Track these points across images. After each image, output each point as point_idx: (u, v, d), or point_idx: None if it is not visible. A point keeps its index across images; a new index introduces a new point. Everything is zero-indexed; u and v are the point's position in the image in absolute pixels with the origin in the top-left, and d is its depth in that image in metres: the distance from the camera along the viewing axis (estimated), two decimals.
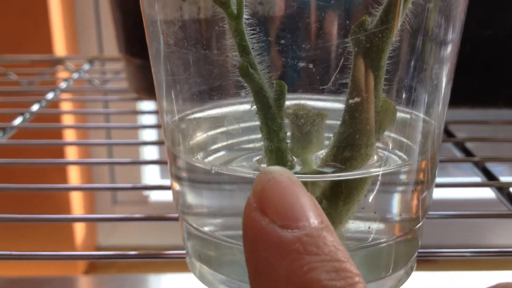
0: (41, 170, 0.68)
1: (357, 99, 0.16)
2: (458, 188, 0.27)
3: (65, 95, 0.49)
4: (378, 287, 0.18)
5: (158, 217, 0.25)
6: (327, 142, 0.17)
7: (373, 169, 0.17)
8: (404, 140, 0.18)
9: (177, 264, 0.25)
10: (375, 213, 0.17)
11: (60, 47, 0.68)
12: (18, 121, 0.37)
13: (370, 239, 0.18)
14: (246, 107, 0.16)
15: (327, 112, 0.18)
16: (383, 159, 0.17)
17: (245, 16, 0.15)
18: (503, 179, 0.27)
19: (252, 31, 0.15)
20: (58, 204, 0.73)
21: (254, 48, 0.15)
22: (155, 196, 0.82)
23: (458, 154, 0.31)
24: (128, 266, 0.75)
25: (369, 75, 0.16)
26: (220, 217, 0.18)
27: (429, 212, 0.24)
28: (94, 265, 0.78)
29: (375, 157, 0.17)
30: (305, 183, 0.17)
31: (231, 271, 0.18)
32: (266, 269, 0.12)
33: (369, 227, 0.17)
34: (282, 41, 0.16)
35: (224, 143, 0.18)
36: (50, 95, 0.44)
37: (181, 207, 0.19)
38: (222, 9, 0.15)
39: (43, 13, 0.65)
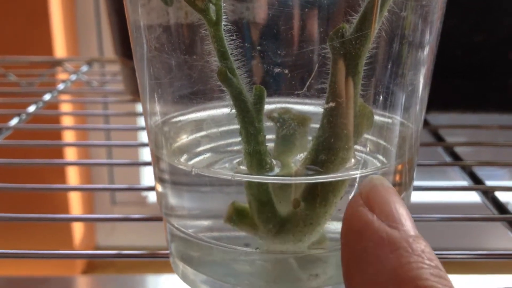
0: (40, 171, 0.68)
1: (334, 104, 0.16)
2: (444, 192, 0.27)
3: (63, 97, 0.50)
4: None
5: (156, 217, 0.25)
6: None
7: (351, 172, 0.17)
8: (382, 143, 0.18)
9: None
10: None
11: (60, 49, 0.69)
12: (14, 121, 0.38)
13: None
14: (226, 111, 0.17)
15: (311, 116, 0.18)
16: (360, 162, 0.18)
17: (224, 23, 0.15)
18: (490, 183, 0.28)
19: (231, 37, 0.16)
20: (57, 205, 0.73)
21: (233, 53, 0.16)
22: (153, 197, 0.83)
23: (447, 158, 0.31)
24: (126, 267, 0.76)
25: (346, 80, 0.16)
26: (201, 218, 0.19)
27: (417, 215, 0.24)
28: (93, 265, 0.78)
29: (353, 160, 0.17)
30: (283, 185, 0.17)
31: (212, 271, 0.18)
32: (371, 258, 0.13)
33: None
34: (260, 47, 0.16)
35: (206, 146, 0.18)
36: (47, 96, 0.44)
37: (164, 208, 0.19)
38: (201, 16, 0.15)
39: (44, 15, 0.65)
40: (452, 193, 0.68)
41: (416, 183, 0.25)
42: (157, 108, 0.18)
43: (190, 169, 0.17)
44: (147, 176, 0.82)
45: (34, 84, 0.52)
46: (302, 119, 0.18)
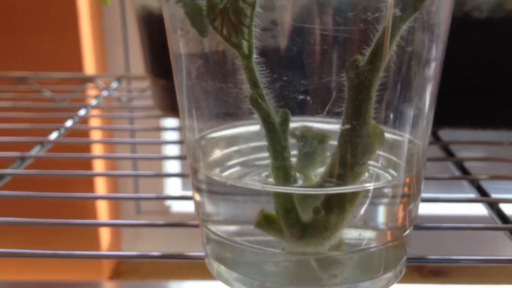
0: (71, 181, 0.72)
1: (349, 126, 0.19)
2: (453, 204, 0.30)
3: (95, 112, 0.53)
4: (370, 286, 0.21)
5: (179, 223, 0.27)
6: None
7: (365, 184, 0.20)
8: (393, 158, 0.21)
9: (199, 271, 0.28)
10: (365, 222, 0.20)
11: (89, 66, 0.72)
12: (54, 135, 0.41)
13: (362, 244, 0.20)
14: (255, 129, 0.19)
15: (329, 135, 0.21)
16: (373, 175, 0.20)
17: (254, 56, 0.18)
18: (495, 196, 0.30)
19: (261, 68, 0.18)
20: (85, 214, 0.77)
21: (262, 82, 0.18)
22: (176, 207, 0.85)
23: (457, 172, 0.33)
24: (151, 273, 0.78)
25: (360, 105, 0.19)
26: (234, 223, 0.21)
27: (428, 224, 0.26)
28: (118, 271, 0.81)
29: (367, 174, 0.20)
30: (305, 195, 0.20)
31: (243, 270, 0.21)
32: None
33: (359, 234, 0.20)
34: (286, 77, 0.19)
35: (238, 160, 0.21)
36: (82, 112, 0.47)
37: (201, 215, 0.22)
38: (235, 50, 0.18)
39: (74, 33, 0.69)
40: (460, 205, 0.70)
41: (427, 195, 0.28)
42: (195, 126, 0.21)
43: (225, 180, 0.20)
44: (171, 188, 0.85)
45: (66, 99, 0.55)
46: (322, 137, 0.21)
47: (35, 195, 0.31)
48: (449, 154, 0.36)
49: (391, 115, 0.20)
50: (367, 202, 0.20)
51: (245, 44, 0.18)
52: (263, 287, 0.21)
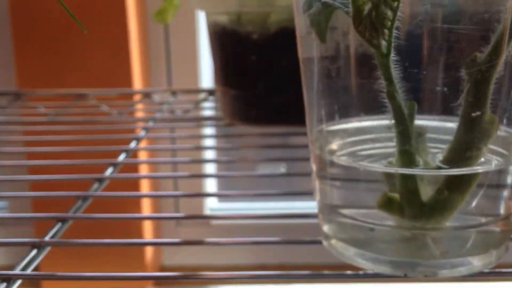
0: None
1: (468, 114, 0.22)
2: None
3: (160, 124, 0.56)
4: (485, 258, 0.23)
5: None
6: (443, 146, 0.23)
7: (483, 167, 0.22)
8: (500, 150, 0.23)
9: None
10: (479, 203, 0.23)
11: (137, 82, 0.75)
12: (133, 144, 0.44)
13: (475, 223, 0.23)
14: (386, 121, 0.22)
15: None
16: (488, 160, 0.23)
17: (391, 54, 0.21)
18: None
19: (395, 65, 0.21)
20: (130, 229, 0.79)
21: (396, 77, 0.21)
22: (215, 220, 0.88)
23: None
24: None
25: (479, 97, 0.21)
26: (358, 205, 0.24)
27: None
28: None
29: (482, 158, 0.23)
30: (426, 177, 0.22)
31: (366, 247, 0.24)
32: None
33: (473, 214, 0.23)
34: (414, 74, 0.22)
35: (367, 147, 0.24)
36: (151, 124, 0.50)
37: (324, 200, 0.24)
38: (375, 49, 0.21)
39: (125, 53, 0.73)
40: None
41: None
42: (323, 118, 0.24)
43: (358, 165, 0.23)
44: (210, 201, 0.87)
45: (123, 113, 0.58)
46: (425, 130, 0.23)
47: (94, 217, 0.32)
48: None
49: (505, 109, 0.22)
50: (484, 184, 0.23)
51: (384, 44, 0.21)
52: (383, 261, 0.23)
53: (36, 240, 0.27)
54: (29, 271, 0.25)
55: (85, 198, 0.33)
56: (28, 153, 0.50)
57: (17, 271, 0.25)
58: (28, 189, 0.78)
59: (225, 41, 0.44)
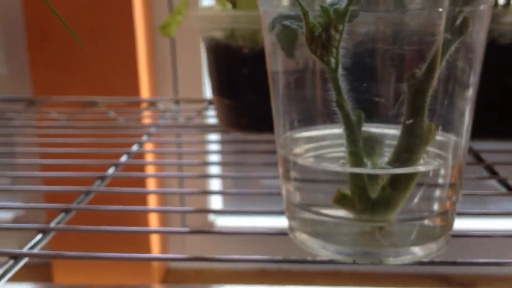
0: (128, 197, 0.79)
1: (409, 121, 0.25)
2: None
3: (163, 130, 0.60)
4: (426, 248, 0.27)
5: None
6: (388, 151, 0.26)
7: (421, 167, 0.26)
8: (439, 151, 0.27)
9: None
10: (419, 199, 0.26)
11: (145, 91, 0.80)
12: (135, 148, 0.47)
13: (417, 217, 0.26)
14: (339, 127, 0.26)
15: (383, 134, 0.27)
16: (426, 162, 0.26)
17: (339, 69, 0.24)
18: None
19: (342, 79, 0.25)
20: (137, 237, 0.83)
21: (343, 89, 0.25)
22: (220, 221, 0.92)
23: (486, 174, 0.39)
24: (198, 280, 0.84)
25: (417, 107, 0.25)
26: (316, 201, 0.27)
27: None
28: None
29: (421, 160, 0.26)
30: (374, 176, 0.26)
31: (323, 238, 0.27)
32: None
33: (414, 209, 0.26)
34: (360, 86, 0.25)
35: (327, 151, 0.27)
36: (153, 130, 0.54)
37: (289, 197, 0.28)
38: (324, 65, 0.24)
39: (132, 63, 0.77)
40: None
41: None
42: (287, 125, 0.27)
43: (316, 165, 0.26)
44: (214, 202, 0.91)
45: (130, 120, 0.62)
46: (379, 135, 0.27)
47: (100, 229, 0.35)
48: (480, 160, 0.42)
49: (441, 116, 0.26)
50: (423, 183, 0.26)
51: (332, 61, 0.24)
52: (338, 250, 0.27)
53: (42, 225, 0.31)
54: (35, 250, 0.29)
55: (87, 193, 0.37)
56: (41, 153, 0.54)
57: (24, 250, 0.29)
58: (42, 184, 0.82)
59: (220, 55, 0.48)
